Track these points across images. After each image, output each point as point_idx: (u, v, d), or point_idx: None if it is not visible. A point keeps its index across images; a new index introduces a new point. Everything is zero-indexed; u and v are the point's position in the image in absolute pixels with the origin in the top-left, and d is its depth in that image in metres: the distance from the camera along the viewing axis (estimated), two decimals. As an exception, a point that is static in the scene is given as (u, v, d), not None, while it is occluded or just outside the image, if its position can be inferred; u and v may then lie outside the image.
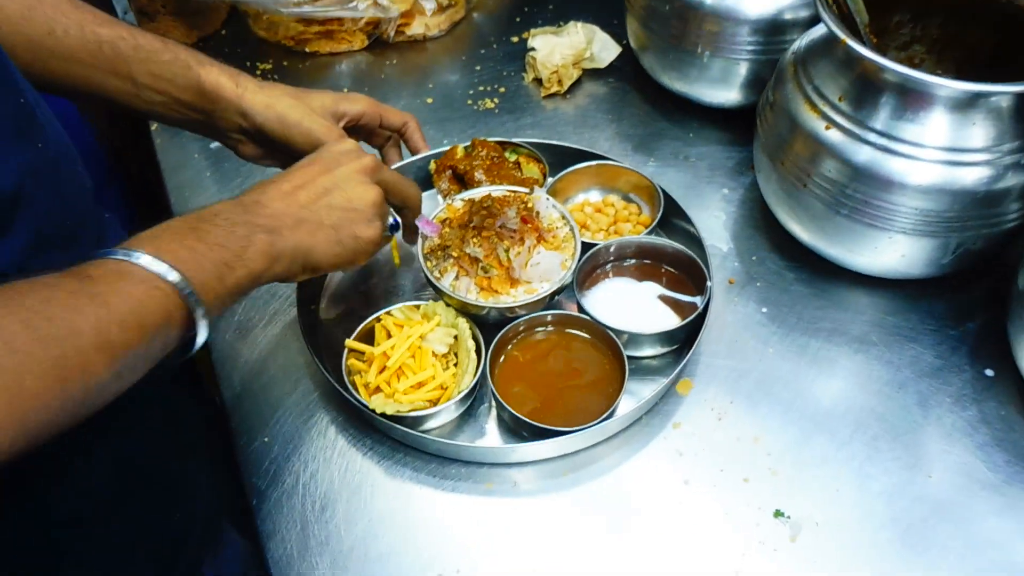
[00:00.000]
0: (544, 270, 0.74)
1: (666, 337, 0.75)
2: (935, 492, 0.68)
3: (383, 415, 0.68)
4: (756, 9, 0.88)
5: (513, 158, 0.89)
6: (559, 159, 0.89)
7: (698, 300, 0.77)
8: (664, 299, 0.78)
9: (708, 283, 0.76)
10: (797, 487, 0.68)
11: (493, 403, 0.73)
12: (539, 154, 0.89)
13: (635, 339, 0.74)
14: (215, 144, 1.04)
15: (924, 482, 0.69)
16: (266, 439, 0.74)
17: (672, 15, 0.92)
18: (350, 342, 0.73)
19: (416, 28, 1.16)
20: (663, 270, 0.81)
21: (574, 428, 0.67)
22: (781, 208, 0.82)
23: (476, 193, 0.80)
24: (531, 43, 1.08)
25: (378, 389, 0.71)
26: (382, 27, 1.15)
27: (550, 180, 0.86)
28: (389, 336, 0.74)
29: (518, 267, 0.73)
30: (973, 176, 0.69)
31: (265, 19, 1.15)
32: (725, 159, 0.96)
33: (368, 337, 0.75)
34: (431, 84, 1.11)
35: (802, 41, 0.80)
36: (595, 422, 0.68)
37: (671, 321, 0.76)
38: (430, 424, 0.71)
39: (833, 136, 0.73)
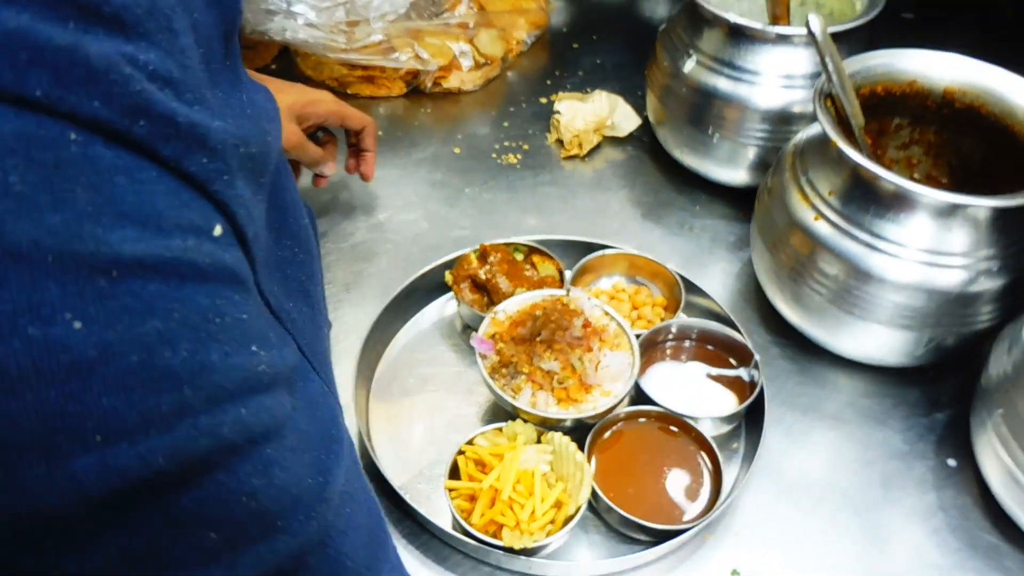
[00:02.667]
0: (615, 371, 0.76)
1: (732, 417, 0.79)
2: (888, 569, 0.72)
3: (522, 550, 0.67)
4: (766, 101, 0.94)
5: (520, 257, 0.91)
6: (559, 250, 0.92)
7: (743, 373, 0.82)
8: (712, 377, 0.82)
9: (756, 358, 0.80)
10: (757, 549, 0.73)
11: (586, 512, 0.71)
12: (546, 250, 0.91)
13: (702, 421, 0.77)
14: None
15: (878, 558, 0.73)
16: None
17: (688, 96, 0.99)
18: (450, 483, 0.71)
19: (452, 81, 1.24)
20: (705, 348, 0.85)
21: (692, 522, 0.69)
22: (770, 287, 0.87)
23: (515, 304, 0.82)
24: (557, 106, 1.15)
25: (494, 525, 0.69)
26: (421, 77, 1.23)
27: (568, 274, 0.89)
28: (478, 466, 0.72)
29: (591, 373, 0.75)
30: (949, 278, 0.75)
31: (312, 59, 1.23)
32: (727, 233, 1.02)
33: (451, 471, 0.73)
34: (460, 135, 1.18)
35: (802, 134, 0.86)
36: (713, 512, 0.70)
37: (728, 397, 0.80)
38: (551, 548, 0.71)
39: (821, 227, 0.78)
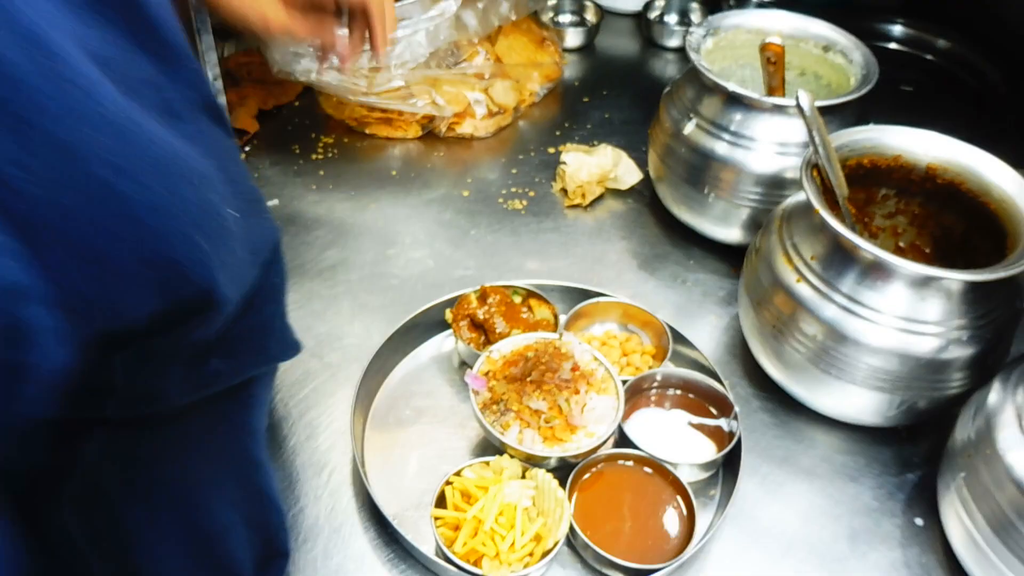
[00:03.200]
0: (599, 414, 0.80)
1: (710, 464, 0.82)
2: (850, 621, 0.75)
3: None
4: (760, 166, 0.99)
5: (518, 300, 0.95)
6: (555, 295, 0.97)
7: (723, 423, 0.85)
8: (693, 425, 0.86)
9: (735, 410, 0.84)
10: (726, 595, 0.76)
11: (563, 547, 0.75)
12: (544, 295, 0.95)
13: (681, 467, 0.80)
14: (272, 202, 1.18)
15: (842, 611, 0.76)
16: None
17: (686, 157, 1.04)
18: (436, 512, 0.75)
19: (465, 127, 1.30)
20: (687, 397, 0.89)
21: (665, 563, 0.73)
22: (754, 343, 0.91)
23: (509, 344, 0.86)
24: (564, 157, 1.21)
25: (476, 554, 0.72)
26: (435, 122, 1.29)
27: (563, 319, 0.93)
28: (464, 497, 0.76)
29: (576, 414, 0.79)
30: (923, 345, 0.78)
31: (334, 100, 1.30)
32: (718, 288, 1.07)
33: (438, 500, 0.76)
34: (470, 179, 1.24)
35: (790, 200, 0.91)
36: (685, 554, 0.73)
37: (707, 446, 0.84)
38: None
39: (803, 290, 0.83)
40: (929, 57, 1.49)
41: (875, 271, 0.79)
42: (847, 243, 0.79)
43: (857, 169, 0.91)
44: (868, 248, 0.77)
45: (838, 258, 0.81)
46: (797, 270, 0.84)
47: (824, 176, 0.86)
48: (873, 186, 0.95)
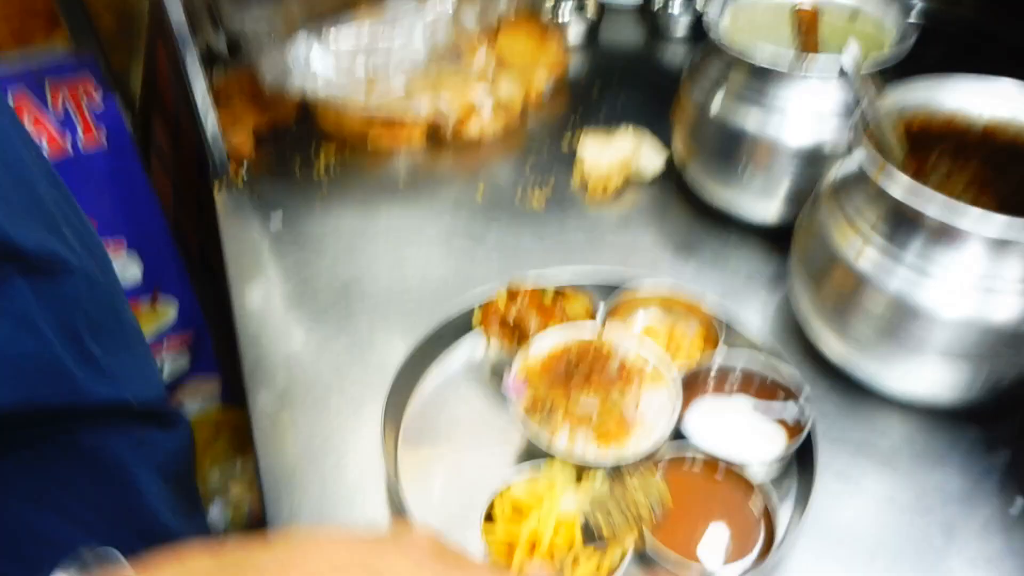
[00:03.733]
0: (656, 411, 0.73)
1: (780, 458, 0.75)
2: (958, 622, 0.67)
3: None
4: (797, 140, 0.93)
5: (548, 298, 0.88)
6: (587, 290, 0.90)
7: (790, 409, 0.78)
8: (758, 415, 0.78)
9: (806, 393, 0.76)
10: (816, 602, 0.68)
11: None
12: (575, 290, 0.89)
13: (750, 465, 0.73)
14: (275, 223, 1.11)
15: (947, 611, 0.68)
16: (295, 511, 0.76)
17: (716, 136, 0.98)
18: (487, 527, 0.68)
19: (473, 130, 1.24)
20: (748, 384, 0.81)
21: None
22: (813, 323, 0.84)
23: (546, 343, 0.79)
24: (581, 147, 1.14)
25: None
26: (440, 127, 1.22)
27: (601, 311, 0.87)
28: (515, 512, 0.69)
29: (631, 411, 0.72)
30: (1004, 311, 0.71)
31: (332, 116, 1.24)
32: (762, 269, 1.00)
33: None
34: (482, 182, 1.17)
35: (839, 169, 0.84)
36: (766, 561, 0.66)
37: (776, 435, 0.76)
38: None
39: (864, 263, 0.76)
40: (952, 30, 1.43)
41: (946, 234, 0.71)
42: (911, 207, 0.72)
43: (906, 134, 0.84)
44: (938, 204, 0.70)
45: (903, 225, 0.74)
46: (857, 243, 0.77)
47: (876, 139, 0.79)
48: (924, 151, 0.88)
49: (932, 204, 0.70)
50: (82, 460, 0.62)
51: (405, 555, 0.41)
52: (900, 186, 0.71)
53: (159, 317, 1.47)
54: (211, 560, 0.40)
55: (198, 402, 1.62)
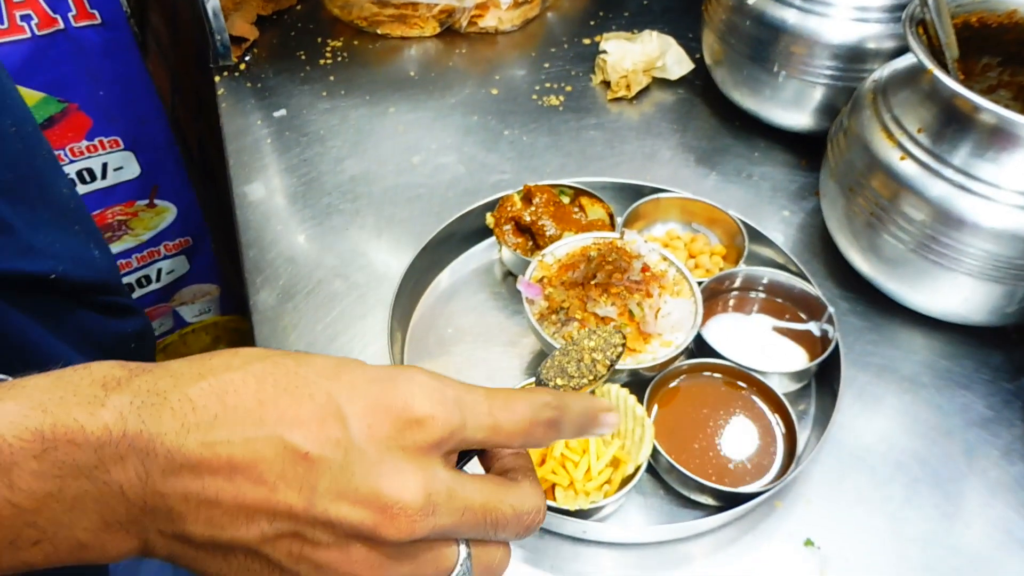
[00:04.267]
0: (676, 320, 0.69)
1: (803, 373, 0.72)
2: (972, 544, 0.65)
3: (577, 512, 0.61)
4: (839, 35, 0.86)
5: (567, 200, 0.84)
6: (607, 194, 0.85)
7: (813, 327, 0.75)
8: (779, 330, 0.75)
9: (829, 311, 0.72)
10: (830, 521, 0.66)
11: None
12: (595, 193, 0.84)
13: (770, 377, 0.70)
14: (279, 112, 1.06)
15: (962, 533, 0.66)
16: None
17: (751, 32, 0.91)
18: None
19: (489, 20, 1.16)
20: (772, 300, 0.78)
21: (764, 487, 0.63)
22: (843, 236, 0.80)
23: (564, 246, 0.75)
24: (603, 46, 1.07)
25: (545, 483, 0.63)
26: (455, 16, 1.15)
27: (619, 220, 0.82)
28: None
29: (651, 321, 0.68)
30: (1049, 226, 0.67)
31: (340, 0, 1.16)
32: (789, 181, 0.95)
33: None
34: (497, 76, 1.11)
35: (884, 70, 0.78)
36: (787, 476, 0.63)
37: (798, 353, 0.73)
38: (607, 511, 0.65)
39: (907, 168, 0.71)
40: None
41: (997, 139, 0.66)
42: (966, 106, 0.67)
43: (960, 32, 0.77)
44: (994, 109, 0.64)
45: (952, 127, 0.69)
46: (901, 146, 0.71)
47: (931, 34, 0.73)
48: (974, 55, 0.82)
49: (986, 108, 0.64)
50: None
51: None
52: (953, 87, 0.65)
53: (156, 219, 1.42)
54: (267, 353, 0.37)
55: (196, 310, 1.59)
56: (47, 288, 0.62)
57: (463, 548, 0.38)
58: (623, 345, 0.49)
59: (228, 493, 0.33)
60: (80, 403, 0.33)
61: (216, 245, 1.53)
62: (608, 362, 0.48)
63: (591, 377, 0.48)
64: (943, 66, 0.74)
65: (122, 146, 1.29)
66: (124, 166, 1.31)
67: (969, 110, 0.67)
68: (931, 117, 0.70)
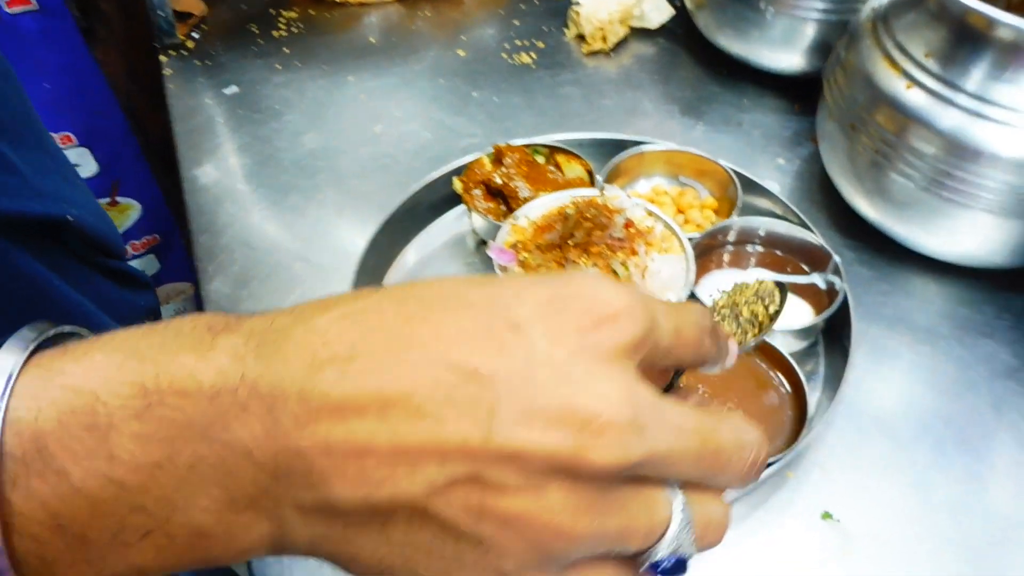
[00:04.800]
0: (666, 278, 0.63)
1: (809, 330, 0.65)
2: (1008, 509, 0.59)
3: None
4: (829, -39, 0.79)
5: (541, 159, 0.77)
6: (586, 151, 0.78)
7: (817, 279, 0.68)
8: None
9: (835, 260, 0.66)
10: (848, 489, 0.60)
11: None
12: (573, 150, 0.77)
13: (773, 336, 0.62)
14: (230, 89, 0.98)
15: (996, 496, 0.60)
16: None
17: (734, -34, 0.84)
18: None
19: (453, -23, 1.09)
20: (770, 253, 0.71)
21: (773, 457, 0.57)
22: (846, 180, 0.73)
23: (539, 207, 0.68)
24: (575, -4, 1.00)
25: None
26: (416, -25, 1.07)
27: (599, 177, 0.75)
28: None
29: (638, 281, 0.62)
30: (1075, 150, 0.60)
31: (293, -39, 1.08)
32: (781, 128, 0.88)
33: None
34: (464, 37, 1.03)
35: (883, -7, 0.71)
36: (798, 444, 0.57)
37: (802, 309, 0.67)
38: None
39: (915, 97, 0.64)
40: None
41: (1014, 56, 0.60)
42: (979, 22, 0.60)
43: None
44: (1011, 22, 0.57)
45: (963, 49, 0.62)
46: (906, 74, 0.65)
47: (932, -55, 0.65)
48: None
49: (1004, 23, 0.58)
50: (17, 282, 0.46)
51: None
52: (965, 3, 0.59)
53: (120, 218, 1.34)
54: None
55: (171, 310, 1.52)
56: (64, 238, 0.53)
57: (679, 495, 0.28)
58: (782, 295, 0.43)
59: (382, 435, 0.25)
60: (185, 348, 0.26)
61: (187, 243, 1.45)
62: (769, 313, 0.43)
63: (755, 331, 0.43)
64: (947, -18, 0.67)
65: (76, 142, 1.21)
66: (80, 163, 1.23)
67: (983, 27, 0.60)
68: (940, 40, 0.63)
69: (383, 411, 0.25)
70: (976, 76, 0.61)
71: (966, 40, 0.61)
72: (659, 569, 0.28)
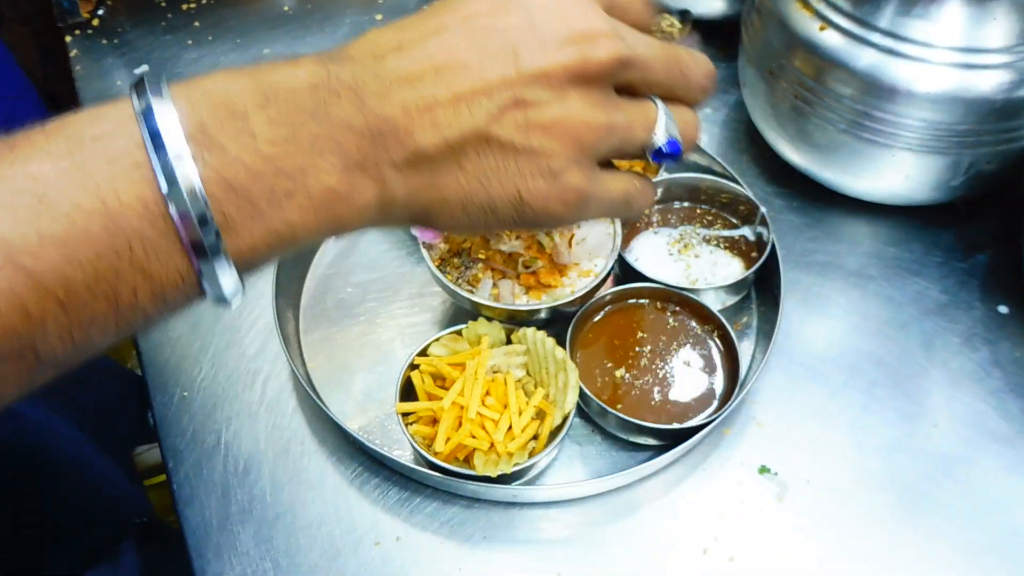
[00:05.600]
0: (593, 245, 0.61)
1: (739, 285, 0.64)
2: (940, 446, 0.60)
3: (499, 478, 0.53)
4: (742, -102, 0.76)
5: None
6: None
7: (746, 231, 0.68)
8: (711, 239, 0.68)
9: (762, 211, 0.65)
10: (784, 441, 0.60)
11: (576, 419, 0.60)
12: None
13: (704, 294, 0.63)
14: (140, 68, 0.94)
15: (928, 434, 0.61)
16: (185, 393, 0.65)
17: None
18: (401, 405, 0.57)
19: (365, -63, 1.04)
20: (697, 209, 0.70)
21: (707, 418, 0.56)
22: (769, 126, 0.72)
23: None
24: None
25: (464, 450, 0.55)
26: (326, -65, 1.03)
27: None
28: (437, 381, 0.58)
29: (564, 251, 0.60)
30: (991, 81, 0.60)
31: (195, -72, 1.03)
32: (707, 76, 0.86)
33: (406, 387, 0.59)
34: (380, 0, 0.99)
35: (795, -70, 0.69)
36: (731, 402, 0.57)
37: (732, 263, 0.66)
38: (539, 467, 0.58)
39: (829, 38, 0.63)
40: None
41: (925, -9, 0.59)
42: (887, -42, 0.58)
43: None
44: (919, -43, 0.56)
45: (874, -15, 0.60)
46: (819, 15, 0.63)
47: None
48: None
49: (910, -44, 0.56)
50: None
51: None
52: (871, -63, 0.57)
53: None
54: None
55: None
56: None
57: (659, 102, 0.40)
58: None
59: (442, 90, 0.35)
60: (278, 65, 0.35)
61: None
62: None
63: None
64: (858, -84, 0.65)
65: (-13, 132, 1.16)
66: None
67: (890, -39, 0.59)
68: (850, -24, 0.62)
69: (438, 73, 0.35)
70: (887, 13, 0.60)
71: (876, -23, 0.60)
72: (662, 154, 0.40)
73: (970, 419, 0.61)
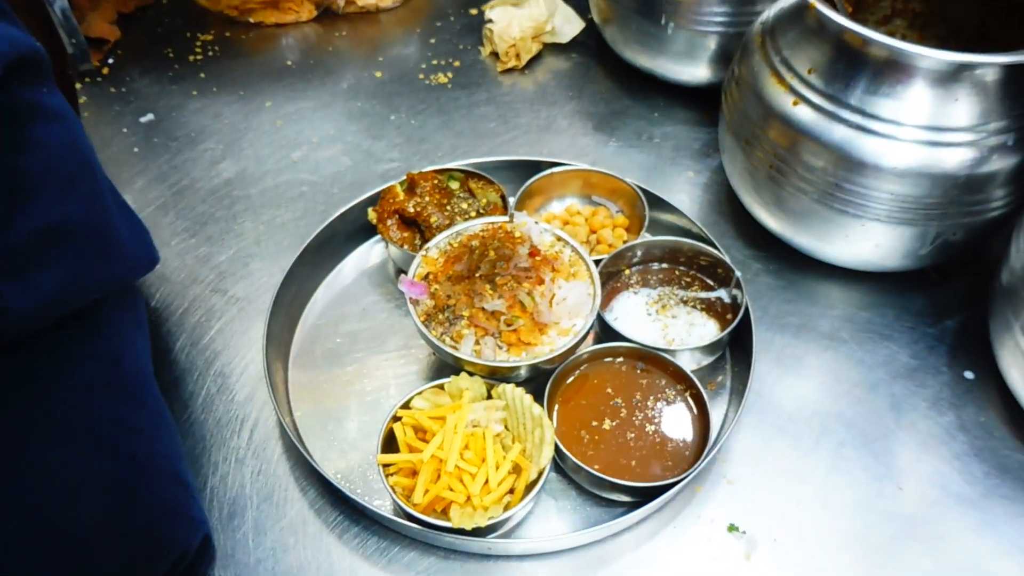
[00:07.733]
0: (573, 305, 0.63)
1: (715, 345, 0.67)
2: (905, 506, 0.62)
3: (475, 531, 0.55)
4: (724, -24, 0.81)
5: (455, 185, 0.77)
6: (501, 174, 0.79)
7: (722, 294, 0.70)
8: (688, 301, 0.70)
9: (737, 275, 0.68)
10: (754, 499, 0.62)
11: (551, 475, 0.62)
12: (485, 175, 0.77)
13: (680, 355, 0.65)
14: (146, 117, 0.97)
15: (894, 495, 0.62)
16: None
17: (635, -17, 0.85)
18: (382, 457, 0.59)
19: (368, -3, 1.09)
20: (676, 271, 0.73)
21: (679, 476, 0.58)
22: (747, 193, 0.75)
23: (447, 237, 0.68)
24: (488, 15, 1.01)
25: (441, 502, 0.57)
26: (331, -4, 1.07)
27: (512, 200, 0.76)
28: (418, 433, 0.60)
29: (545, 310, 0.62)
30: (955, 158, 0.63)
31: (206, -15, 1.07)
32: (691, 140, 0.90)
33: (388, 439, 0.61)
34: (381, 57, 1.03)
35: (771, 9, 0.73)
36: (702, 460, 0.59)
37: (708, 325, 0.68)
38: (514, 521, 0.60)
39: (802, 113, 0.66)
40: None
41: (891, 72, 0.62)
42: (854, 40, 0.62)
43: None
44: (882, 40, 0.60)
45: (843, 64, 0.64)
46: (793, 90, 0.67)
47: (813, -34, 0.67)
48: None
49: (876, 41, 0.60)
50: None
51: None
52: (839, 21, 0.61)
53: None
54: None
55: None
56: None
57: None
58: None
59: None
60: None
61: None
62: None
63: None
64: (830, 1, 0.69)
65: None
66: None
67: (859, 45, 0.62)
68: (821, 56, 0.65)
69: None
70: (857, 91, 0.64)
71: (845, 56, 0.64)
72: None
73: (935, 480, 0.63)
